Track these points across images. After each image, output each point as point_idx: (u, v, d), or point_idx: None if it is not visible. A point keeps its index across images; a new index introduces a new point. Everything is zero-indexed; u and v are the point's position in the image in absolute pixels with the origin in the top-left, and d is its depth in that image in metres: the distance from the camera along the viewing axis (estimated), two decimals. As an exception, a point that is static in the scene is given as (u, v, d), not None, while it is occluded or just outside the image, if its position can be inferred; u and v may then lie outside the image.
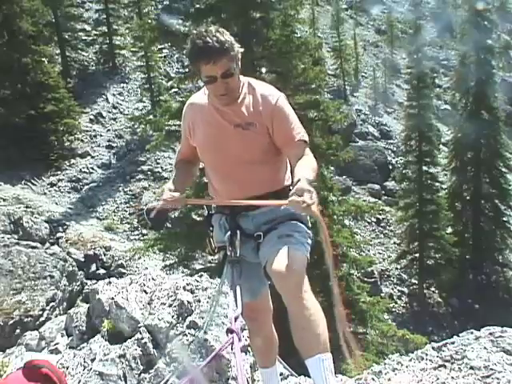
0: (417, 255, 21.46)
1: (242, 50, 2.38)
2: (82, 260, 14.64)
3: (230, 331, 2.10)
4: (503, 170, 22.36)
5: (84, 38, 27.02)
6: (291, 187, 2.59)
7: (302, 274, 2.20)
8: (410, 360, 3.43)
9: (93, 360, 4.04)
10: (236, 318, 2.15)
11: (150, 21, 20.91)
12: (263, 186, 2.48)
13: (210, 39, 2.25)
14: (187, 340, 3.90)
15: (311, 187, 2.09)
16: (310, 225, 2.55)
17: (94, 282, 8.56)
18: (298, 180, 2.15)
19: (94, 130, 23.14)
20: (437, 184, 21.85)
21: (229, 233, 2.49)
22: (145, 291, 4.54)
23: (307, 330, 2.11)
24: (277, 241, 2.34)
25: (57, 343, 5.40)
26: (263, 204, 2.42)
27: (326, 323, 2.16)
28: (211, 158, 2.56)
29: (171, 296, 4.33)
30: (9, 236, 12.98)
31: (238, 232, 2.47)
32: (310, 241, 2.45)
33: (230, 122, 2.43)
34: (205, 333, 3.73)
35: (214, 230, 2.65)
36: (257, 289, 2.59)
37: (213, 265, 12.31)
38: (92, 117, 23.67)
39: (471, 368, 3.00)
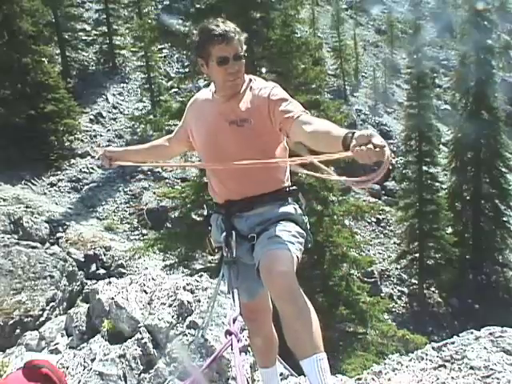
0: (417, 255, 21.43)
1: (245, 46, 2.41)
2: (82, 260, 14.61)
3: (228, 333, 2.10)
4: (503, 169, 22.33)
5: (84, 38, 26.99)
6: (291, 187, 2.60)
7: (291, 275, 2.18)
8: (410, 360, 3.43)
9: (93, 360, 4.04)
10: (234, 320, 2.14)
11: (150, 21, 20.89)
12: (262, 186, 2.47)
13: (220, 23, 2.36)
14: (187, 340, 3.90)
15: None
16: (308, 226, 2.53)
17: (94, 282, 8.54)
18: (352, 132, 1.89)
19: (94, 130, 23.11)
20: (437, 184, 21.81)
21: (224, 233, 2.49)
22: (145, 291, 4.54)
23: (300, 331, 2.08)
24: (267, 242, 2.32)
25: (57, 343, 5.39)
26: (309, 160, 2.17)
27: (318, 322, 2.13)
28: (211, 157, 2.55)
29: (171, 296, 4.33)
30: (9, 236, 12.95)
31: (234, 233, 2.46)
32: (302, 240, 2.42)
33: (226, 120, 2.43)
34: (202, 336, 3.73)
35: (212, 230, 2.65)
36: (255, 289, 2.56)
37: (213, 265, 12.31)
38: (92, 117, 23.63)
39: (471, 368, 3.00)
